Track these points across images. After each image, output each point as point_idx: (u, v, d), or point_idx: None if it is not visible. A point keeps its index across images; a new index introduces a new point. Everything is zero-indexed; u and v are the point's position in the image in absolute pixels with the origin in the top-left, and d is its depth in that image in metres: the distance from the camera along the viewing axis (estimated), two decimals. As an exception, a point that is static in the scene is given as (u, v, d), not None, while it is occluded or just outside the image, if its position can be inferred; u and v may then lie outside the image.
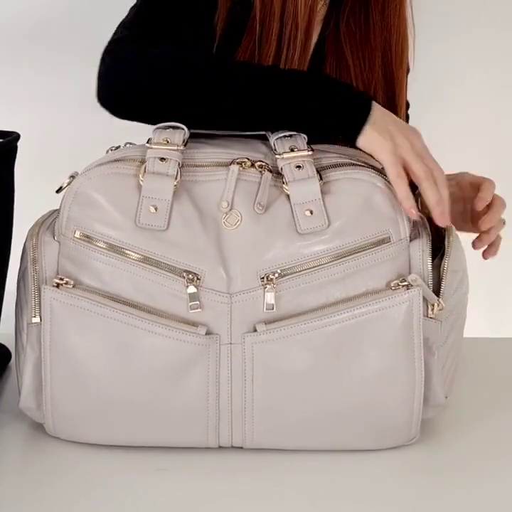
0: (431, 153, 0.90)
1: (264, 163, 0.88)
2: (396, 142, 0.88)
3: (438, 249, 0.90)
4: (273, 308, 0.85)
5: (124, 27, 0.98)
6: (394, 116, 0.91)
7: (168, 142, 0.87)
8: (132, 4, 1.02)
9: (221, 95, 0.89)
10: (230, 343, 0.85)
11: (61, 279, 0.86)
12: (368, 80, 1.09)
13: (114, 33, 0.97)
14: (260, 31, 1.02)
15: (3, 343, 1.08)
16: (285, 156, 0.87)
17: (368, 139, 0.88)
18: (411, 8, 1.12)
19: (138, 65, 0.92)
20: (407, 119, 1.24)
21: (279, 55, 1.02)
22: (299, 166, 0.87)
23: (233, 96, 0.88)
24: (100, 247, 0.86)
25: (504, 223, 1.04)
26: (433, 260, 0.88)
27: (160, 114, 0.90)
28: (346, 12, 1.09)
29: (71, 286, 0.86)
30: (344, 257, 0.86)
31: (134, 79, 0.91)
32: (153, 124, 0.90)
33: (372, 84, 1.10)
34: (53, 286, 0.86)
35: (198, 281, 0.85)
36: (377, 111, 0.89)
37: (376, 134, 0.88)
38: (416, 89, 1.65)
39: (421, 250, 0.87)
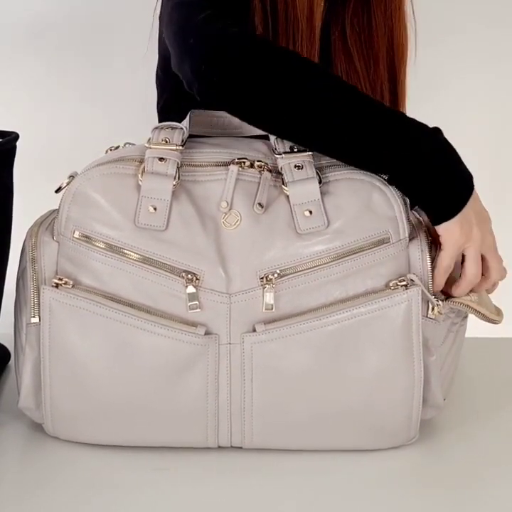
0: (495, 249, 0.91)
1: (263, 163, 0.87)
2: (470, 237, 0.87)
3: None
4: (272, 309, 0.85)
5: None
6: (480, 203, 0.90)
7: (167, 142, 0.87)
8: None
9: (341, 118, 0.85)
10: (229, 343, 0.85)
11: (60, 279, 0.86)
12: (374, 80, 1.09)
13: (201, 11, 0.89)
14: (272, 24, 1.01)
15: (2, 342, 1.08)
16: (285, 155, 0.87)
17: (450, 229, 0.87)
18: (411, 4, 1.12)
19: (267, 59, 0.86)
20: None
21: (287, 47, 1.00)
22: (298, 166, 0.87)
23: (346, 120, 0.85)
24: (99, 247, 0.86)
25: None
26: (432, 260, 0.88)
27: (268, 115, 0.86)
28: (349, 14, 1.09)
29: (70, 286, 0.86)
30: (343, 257, 0.86)
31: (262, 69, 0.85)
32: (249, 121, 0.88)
33: (378, 84, 1.09)
34: (52, 286, 0.86)
35: (197, 281, 0.85)
36: (472, 199, 0.88)
37: (458, 227, 0.87)
38: (414, 87, 1.65)
39: (420, 250, 0.87)
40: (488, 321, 0.93)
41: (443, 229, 0.87)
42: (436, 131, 0.88)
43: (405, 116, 0.89)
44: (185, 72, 0.89)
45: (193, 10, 0.90)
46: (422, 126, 0.87)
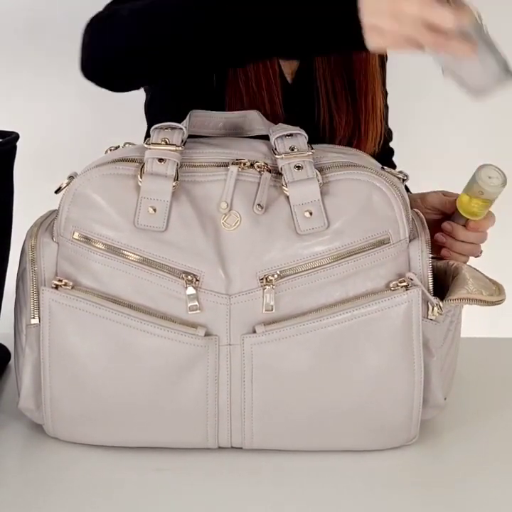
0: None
1: (263, 163, 0.87)
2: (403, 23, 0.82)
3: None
4: (272, 310, 0.85)
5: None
6: None
7: (166, 142, 0.87)
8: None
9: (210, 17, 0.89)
10: (229, 345, 0.85)
11: (60, 281, 0.86)
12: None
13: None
14: None
15: (2, 342, 1.07)
16: (285, 156, 0.87)
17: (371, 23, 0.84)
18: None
19: (124, 18, 0.93)
20: (386, 108, 1.27)
21: None
22: (298, 167, 0.86)
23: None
24: (99, 248, 0.86)
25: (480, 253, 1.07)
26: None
27: (148, 63, 0.93)
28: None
29: (70, 287, 0.86)
30: (344, 258, 0.86)
31: (124, 28, 0.93)
32: (139, 81, 0.96)
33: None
34: (52, 287, 0.86)
35: (196, 282, 0.85)
36: None
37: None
38: (413, 85, 1.65)
39: (420, 251, 0.87)
40: (493, 305, 0.90)
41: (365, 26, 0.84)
42: None
43: None
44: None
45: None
46: None
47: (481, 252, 1.07)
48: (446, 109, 1.73)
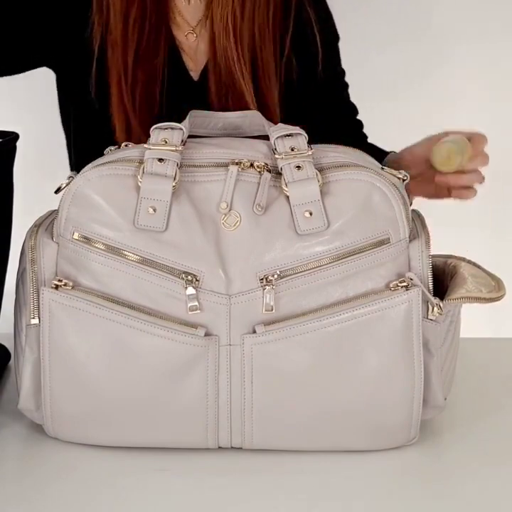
0: None
1: (263, 163, 0.87)
2: None
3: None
4: (272, 310, 0.85)
5: None
6: None
7: (166, 142, 0.87)
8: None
9: None
10: (229, 345, 0.85)
11: (60, 281, 0.86)
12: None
13: None
14: None
15: (2, 342, 1.07)
16: (285, 156, 0.87)
17: None
18: None
19: None
20: (345, 87, 1.31)
21: None
22: (298, 167, 0.86)
23: None
24: (98, 248, 0.86)
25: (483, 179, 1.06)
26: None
27: None
28: None
29: (70, 287, 0.86)
30: (344, 258, 0.86)
31: None
32: None
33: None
34: (52, 287, 0.86)
35: (196, 282, 0.85)
36: None
37: None
38: (412, 84, 1.65)
39: (420, 251, 0.87)
40: (493, 301, 0.89)
41: None
42: None
43: None
44: None
45: None
46: None
47: (484, 178, 1.06)
48: (446, 108, 1.73)
